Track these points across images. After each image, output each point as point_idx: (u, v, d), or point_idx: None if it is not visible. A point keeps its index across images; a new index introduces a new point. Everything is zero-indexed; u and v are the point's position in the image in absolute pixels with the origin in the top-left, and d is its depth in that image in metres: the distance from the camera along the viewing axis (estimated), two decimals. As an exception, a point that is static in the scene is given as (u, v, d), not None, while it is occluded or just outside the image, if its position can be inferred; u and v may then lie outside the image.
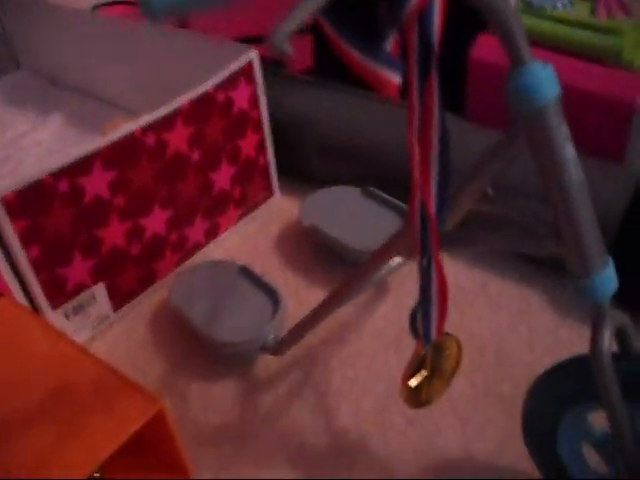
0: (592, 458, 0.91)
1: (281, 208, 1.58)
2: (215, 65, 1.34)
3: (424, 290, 0.76)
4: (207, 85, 1.30)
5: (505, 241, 0.77)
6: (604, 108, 1.35)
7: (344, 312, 1.29)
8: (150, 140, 1.24)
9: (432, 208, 0.69)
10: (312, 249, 1.45)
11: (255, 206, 1.55)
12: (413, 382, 0.84)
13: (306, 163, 1.57)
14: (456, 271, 1.37)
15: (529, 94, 0.63)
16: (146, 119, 1.22)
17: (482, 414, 1.10)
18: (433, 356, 0.85)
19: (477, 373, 1.16)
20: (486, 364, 1.18)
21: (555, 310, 1.27)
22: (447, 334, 0.86)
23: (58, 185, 1.12)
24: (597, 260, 0.71)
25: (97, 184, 1.18)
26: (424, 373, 0.85)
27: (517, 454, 1.04)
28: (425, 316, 0.78)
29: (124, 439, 0.88)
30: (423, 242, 0.73)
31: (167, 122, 1.25)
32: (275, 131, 1.51)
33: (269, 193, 1.57)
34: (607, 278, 0.72)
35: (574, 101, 1.31)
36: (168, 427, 0.95)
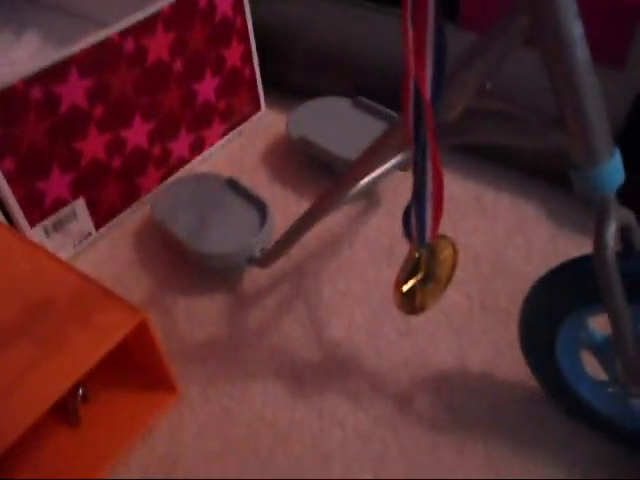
0: (590, 366, 0.88)
1: (268, 122, 1.52)
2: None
3: (418, 185, 0.71)
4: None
5: (506, 133, 0.72)
6: (606, 12, 1.29)
7: (335, 224, 1.25)
8: (129, 46, 1.17)
9: (427, 92, 0.64)
10: (301, 162, 1.40)
11: (241, 120, 1.49)
12: (406, 286, 0.80)
13: (294, 75, 1.51)
14: (450, 183, 1.32)
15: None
16: (124, 23, 1.15)
17: (477, 325, 1.07)
18: (428, 260, 0.81)
19: (472, 285, 1.13)
20: (481, 276, 1.14)
21: (551, 221, 1.23)
22: (442, 236, 0.82)
23: (31, 92, 1.06)
24: (603, 150, 0.67)
25: (74, 92, 1.12)
26: (418, 276, 0.81)
27: (513, 364, 1.01)
28: (419, 214, 0.73)
29: (106, 351, 0.84)
30: (417, 132, 0.68)
31: (146, 27, 1.19)
32: (261, 42, 1.45)
33: (256, 106, 1.51)
34: (613, 169, 0.68)
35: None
36: (152, 339, 0.91)
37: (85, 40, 1.11)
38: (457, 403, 0.97)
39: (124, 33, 1.16)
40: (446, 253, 0.83)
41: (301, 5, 1.49)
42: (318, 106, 1.41)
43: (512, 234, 1.21)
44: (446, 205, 1.27)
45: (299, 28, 1.45)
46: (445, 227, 1.23)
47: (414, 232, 0.76)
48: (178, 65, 1.28)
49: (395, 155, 1.14)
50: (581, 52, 0.62)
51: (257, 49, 1.44)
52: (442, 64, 0.64)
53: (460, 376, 1.00)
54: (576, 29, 0.61)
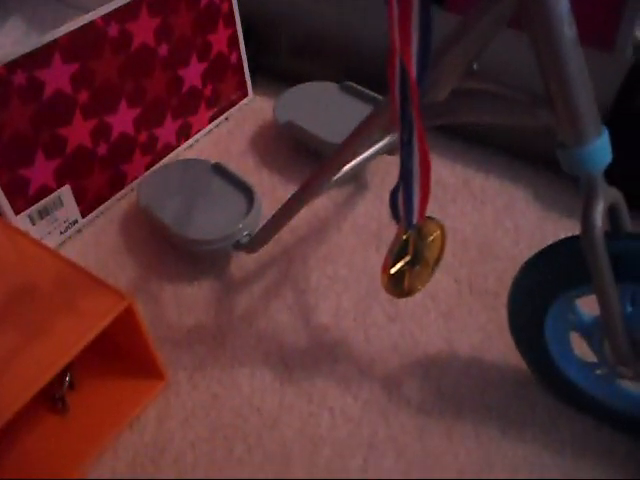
0: (579, 348, 0.88)
1: (255, 108, 1.51)
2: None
3: (405, 166, 0.70)
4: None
5: (493, 113, 0.72)
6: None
7: (323, 209, 1.25)
8: (113, 30, 1.16)
9: (413, 70, 0.63)
10: (288, 148, 1.39)
11: (228, 106, 1.48)
12: (394, 269, 0.80)
13: (281, 60, 1.50)
14: (437, 167, 1.32)
15: None
16: (108, 7, 1.14)
17: (466, 309, 1.07)
18: (416, 242, 0.81)
19: (461, 268, 1.13)
20: (470, 259, 1.14)
21: (540, 204, 1.23)
22: (430, 218, 0.81)
23: (14, 78, 1.05)
24: (591, 128, 0.66)
25: (58, 77, 1.11)
26: (406, 259, 0.81)
27: (503, 347, 1.01)
28: (406, 195, 0.72)
29: (92, 337, 0.84)
30: (403, 111, 0.67)
31: (131, 11, 1.17)
32: (247, 27, 1.44)
33: (243, 92, 1.50)
34: (601, 148, 0.67)
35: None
36: (138, 325, 0.90)
37: (68, 25, 1.09)
38: (446, 387, 0.97)
39: (108, 17, 1.14)
40: (435, 235, 0.83)
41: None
42: (305, 91, 1.40)
43: (500, 217, 1.21)
44: (434, 189, 1.27)
45: (284, 13, 1.44)
46: (433, 211, 1.22)
47: (402, 214, 0.75)
48: (163, 50, 1.26)
49: (382, 138, 1.14)
50: (568, 29, 0.61)
51: (243, 34, 1.43)
52: (427, 43, 0.63)
53: (449, 360, 1.00)
54: (563, 5, 0.60)
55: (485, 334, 1.03)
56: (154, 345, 0.95)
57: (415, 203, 0.73)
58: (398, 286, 0.82)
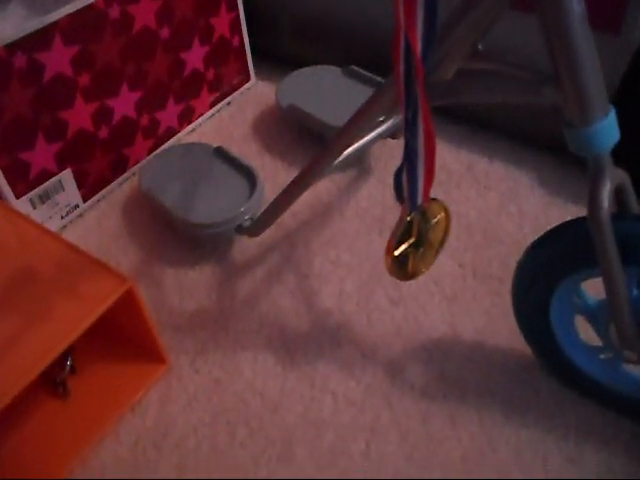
0: (583, 331, 0.87)
1: (258, 92, 1.50)
2: None
3: (409, 146, 0.69)
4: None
5: (500, 92, 0.70)
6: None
7: (326, 193, 1.24)
8: (114, 12, 1.15)
9: (418, 48, 0.62)
10: (290, 132, 1.38)
11: (231, 90, 1.47)
12: (398, 251, 0.79)
13: (283, 44, 1.49)
14: (441, 152, 1.31)
15: None
16: (108, -11, 1.13)
17: (469, 293, 1.06)
18: (420, 223, 0.80)
19: (465, 253, 1.12)
20: (474, 244, 1.13)
21: (545, 190, 1.22)
22: (434, 200, 0.80)
23: (14, 60, 1.04)
24: (598, 107, 0.65)
25: (58, 60, 1.10)
26: (410, 241, 0.80)
27: (507, 332, 1.00)
28: (410, 176, 0.72)
29: (92, 320, 0.83)
30: (408, 90, 0.66)
31: (131, -7, 1.16)
32: (250, 11, 1.43)
33: (245, 76, 1.49)
34: (608, 128, 0.66)
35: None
36: (140, 308, 0.90)
37: (69, 6, 1.08)
38: (449, 371, 0.96)
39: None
40: (439, 217, 0.82)
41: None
42: (308, 75, 1.39)
43: (505, 202, 1.20)
44: (438, 174, 1.26)
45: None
46: (437, 196, 1.21)
47: (405, 195, 0.74)
48: (165, 33, 1.25)
49: (385, 121, 1.13)
50: (577, 4, 0.60)
51: (246, 18, 1.42)
52: (433, 20, 0.62)
53: (452, 344, 0.99)
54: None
55: (489, 318, 1.02)
56: (156, 329, 0.95)
57: (419, 184, 0.72)
58: (402, 268, 0.82)
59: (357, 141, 1.09)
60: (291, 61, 1.49)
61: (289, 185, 0.96)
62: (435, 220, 0.82)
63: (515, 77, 0.72)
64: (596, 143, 0.66)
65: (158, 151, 1.33)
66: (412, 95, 0.66)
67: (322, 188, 1.25)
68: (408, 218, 0.77)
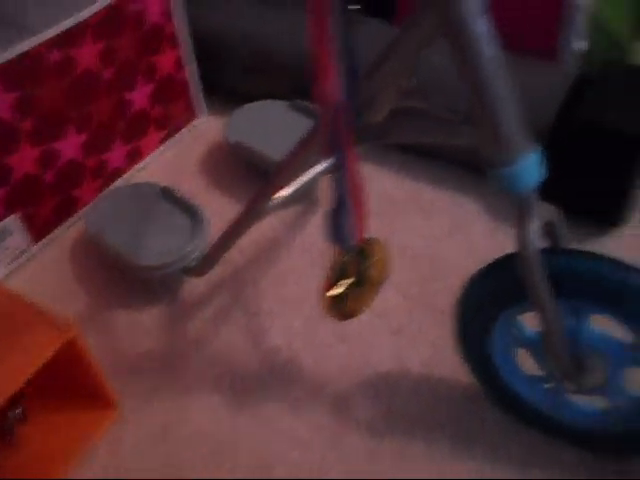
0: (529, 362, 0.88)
1: (207, 128, 1.50)
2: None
3: (338, 190, 0.70)
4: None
5: (427, 133, 0.72)
6: (535, 8, 1.29)
7: (272, 229, 1.24)
8: (55, 56, 1.15)
9: (334, 93, 0.63)
10: (239, 168, 1.38)
11: (179, 127, 1.47)
12: (333, 292, 0.79)
13: (232, 80, 1.50)
14: (386, 180, 1.32)
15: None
16: (49, 33, 1.13)
17: (416, 326, 1.07)
18: (358, 263, 0.80)
19: (411, 284, 1.12)
20: (421, 275, 1.14)
21: (490, 216, 1.23)
22: (371, 239, 0.81)
23: (-47, 108, 1.04)
24: (518, 148, 0.65)
25: (-1, 106, 1.10)
26: (348, 281, 0.80)
27: (453, 363, 1.01)
28: (341, 219, 0.72)
29: (33, 371, 0.83)
30: (334, 136, 0.67)
31: (72, 36, 1.16)
32: (198, 48, 1.43)
33: (193, 113, 1.50)
34: (530, 167, 0.67)
35: (506, 4, 1.26)
36: (85, 356, 0.89)
37: (6, 53, 1.08)
38: (396, 406, 0.97)
39: (50, 43, 1.13)
40: (378, 255, 0.82)
41: (234, 10, 1.48)
42: (256, 110, 1.40)
43: (451, 231, 1.21)
44: (384, 204, 1.26)
45: (234, 33, 1.44)
46: (383, 227, 1.22)
47: (338, 237, 0.75)
48: (108, 74, 1.26)
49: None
50: (488, 49, 0.61)
51: (195, 55, 1.42)
52: (353, 65, 0.63)
53: (399, 378, 1.00)
54: (481, 25, 0.60)
55: (435, 350, 1.03)
56: (103, 375, 0.94)
57: (352, 225, 0.73)
58: (340, 309, 0.82)
59: (297, 178, 1.10)
60: (241, 95, 1.50)
61: (231, 224, 0.96)
62: (374, 259, 0.82)
63: (441, 117, 0.73)
64: (518, 184, 0.67)
65: (104, 194, 1.32)
66: (337, 141, 0.67)
67: (268, 224, 1.25)
68: (343, 259, 0.78)
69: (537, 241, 0.70)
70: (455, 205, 1.26)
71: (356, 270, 0.81)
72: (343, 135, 0.65)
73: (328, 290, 0.79)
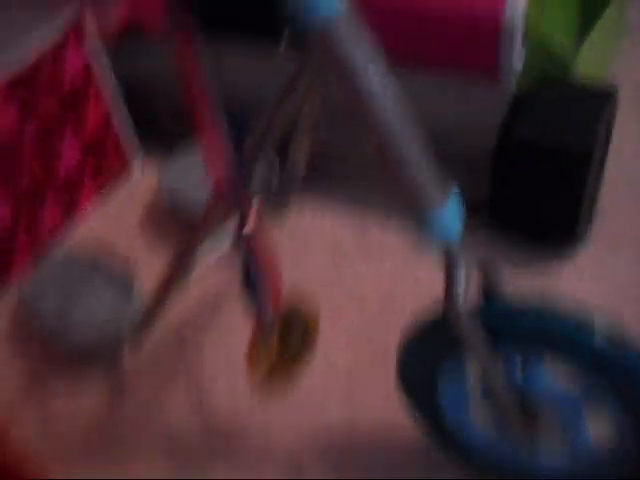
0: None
1: (142, 178, 1.44)
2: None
3: (245, 264, 0.64)
4: (27, 59, 1.15)
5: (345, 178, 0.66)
6: (471, 28, 1.24)
7: (214, 285, 1.19)
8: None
9: (223, 175, 0.57)
10: (177, 218, 1.32)
11: (114, 179, 1.41)
12: (256, 372, 0.73)
13: (168, 123, 1.44)
14: (334, 225, 1.24)
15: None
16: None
17: (367, 375, 1.02)
18: (282, 333, 0.74)
19: (361, 330, 1.08)
20: (370, 319, 1.09)
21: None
22: (292, 308, 0.75)
23: None
24: (431, 200, 0.60)
25: None
26: (271, 354, 0.74)
27: (403, 407, 0.96)
28: (254, 294, 0.66)
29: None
30: (237, 209, 0.61)
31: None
32: (130, 97, 1.38)
33: (128, 164, 1.44)
34: (446, 219, 0.60)
35: (441, 25, 1.21)
36: (11, 449, 0.84)
37: None
38: (347, 463, 0.92)
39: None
40: (301, 325, 0.76)
41: (164, 58, 1.42)
42: (189, 157, 1.33)
43: (400, 271, 1.15)
44: (330, 250, 1.20)
45: (164, 81, 1.38)
46: (329, 271, 1.16)
47: (254, 313, 0.69)
48: (30, 139, 1.19)
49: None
50: (392, 105, 0.55)
51: (127, 102, 1.37)
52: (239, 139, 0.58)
53: (349, 433, 0.95)
54: (374, 84, 0.54)
55: (386, 396, 0.98)
56: (43, 463, 0.89)
57: (266, 299, 0.67)
58: (268, 382, 0.76)
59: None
60: (175, 142, 1.44)
61: (155, 292, 0.90)
62: (297, 329, 0.76)
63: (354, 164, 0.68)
64: (437, 236, 0.61)
65: (37, 267, 1.24)
66: (240, 212, 0.61)
67: (212, 280, 1.20)
68: (264, 331, 0.72)
69: (465, 294, 0.65)
70: (404, 246, 1.19)
71: (277, 346, 0.75)
72: (244, 206, 0.60)
73: (251, 365, 0.73)
